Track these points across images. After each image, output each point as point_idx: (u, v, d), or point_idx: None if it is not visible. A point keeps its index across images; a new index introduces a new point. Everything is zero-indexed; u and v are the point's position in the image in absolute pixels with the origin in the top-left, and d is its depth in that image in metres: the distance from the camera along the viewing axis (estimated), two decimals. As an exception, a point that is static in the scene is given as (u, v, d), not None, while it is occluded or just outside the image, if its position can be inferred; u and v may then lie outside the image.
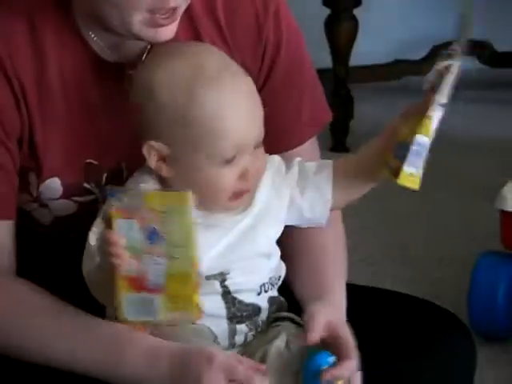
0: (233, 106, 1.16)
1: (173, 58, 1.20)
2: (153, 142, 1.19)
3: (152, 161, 1.20)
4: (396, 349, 1.28)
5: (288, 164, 1.24)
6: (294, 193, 1.24)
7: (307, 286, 1.27)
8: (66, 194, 1.25)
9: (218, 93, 1.16)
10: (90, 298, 1.19)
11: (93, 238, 1.17)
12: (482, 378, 1.52)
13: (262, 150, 1.20)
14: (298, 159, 1.25)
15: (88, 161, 1.24)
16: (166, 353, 1.14)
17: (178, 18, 1.20)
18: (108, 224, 1.11)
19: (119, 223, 1.10)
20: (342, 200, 1.29)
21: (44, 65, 1.22)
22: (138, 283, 1.11)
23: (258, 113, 1.19)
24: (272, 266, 1.23)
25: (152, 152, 1.19)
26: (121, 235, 1.09)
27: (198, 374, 1.11)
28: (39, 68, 1.21)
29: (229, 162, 1.16)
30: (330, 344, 1.15)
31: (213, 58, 1.19)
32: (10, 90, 1.20)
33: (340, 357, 1.14)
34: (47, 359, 1.18)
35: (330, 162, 1.25)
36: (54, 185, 1.24)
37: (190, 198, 1.10)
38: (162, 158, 1.20)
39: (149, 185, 1.20)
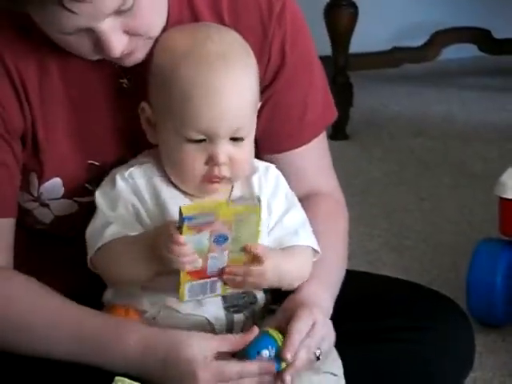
0: (208, 92, 1.15)
1: (184, 29, 1.20)
2: (143, 103, 1.20)
3: (143, 122, 1.21)
4: (394, 333, 1.29)
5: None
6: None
7: None
8: (68, 195, 1.25)
9: (197, 73, 1.15)
10: (85, 292, 1.20)
11: (98, 199, 1.19)
12: (480, 364, 1.54)
13: (245, 143, 1.18)
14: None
15: (90, 162, 1.25)
16: (162, 345, 1.13)
17: (145, 49, 1.19)
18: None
19: (191, 238, 1.12)
20: None
21: (46, 66, 1.22)
22: (199, 273, 1.14)
23: (238, 106, 1.16)
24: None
25: (143, 114, 1.21)
26: (189, 243, 1.11)
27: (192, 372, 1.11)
28: (41, 71, 1.21)
29: (194, 142, 1.16)
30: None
31: (217, 42, 1.18)
32: (15, 94, 1.21)
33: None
34: (47, 350, 1.18)
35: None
36: (55, 185, 1.24)
37: (260, 209, 1.13)
38: (149, 122, 1.21)
39: (148, 165, 1.20)
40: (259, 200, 1.14)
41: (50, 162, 1.23)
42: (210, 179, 1.17)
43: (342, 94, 2.49)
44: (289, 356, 1.13)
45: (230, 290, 1.17)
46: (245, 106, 1.17)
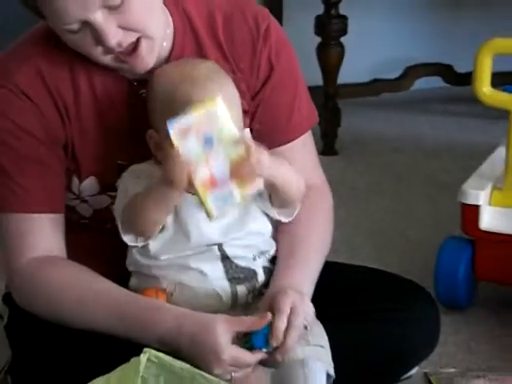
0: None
1: (174, 64, 1.20)
2: (150, 131, 1.20)
3: (152, 148, 1.21)
4: (373, 314, 1.29)
5: None
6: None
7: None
8: (102, 190, 1.25)
9: (192, 92, 1.14)
10: (121, 277, 1.21)
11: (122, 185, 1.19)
12: (444, 341, 1.53)
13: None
14: None
15: (119, 162, 1.25)
16: (192, 326, 1.13)
17: (152, 51, 1.18)
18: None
19: (182, 144, 1.10)
20: None
21: (77, 85, 1.22)
22: (212, 183, 1.12)
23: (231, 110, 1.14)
24: (263, 240, 1.22)
25: (151, 140, 1.21)
26: (186, 153, 1.10)
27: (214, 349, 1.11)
28: (75, 90, 1.21)
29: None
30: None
31: (201, 67, 1.18)
32: (56, 110, 1.21)
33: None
34: (94, 326, 1.18)
35: None
36: (92, 183, 1.25)
37: (219, 102, 1.11)
38: (158, 146, 1.20)
39: (150, 166, 1.20)
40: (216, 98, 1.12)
41: (86, 165, 1.23)
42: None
43: (332, 117, 2.49)
44: (274, 344, 1.13)
45: (246, 192, 1.13)
46: (239, 117, 1.17)
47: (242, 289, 1.20)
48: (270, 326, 1.14)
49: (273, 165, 1.15)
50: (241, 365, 1.12)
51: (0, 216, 1.24)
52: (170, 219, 1.18)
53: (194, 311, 1.15)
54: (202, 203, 1.12)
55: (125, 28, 1.14)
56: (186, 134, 1.10)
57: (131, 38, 1.15)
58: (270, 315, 1.13)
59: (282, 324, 1.13)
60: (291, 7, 2.70)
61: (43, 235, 1.22)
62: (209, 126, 1.11)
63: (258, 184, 1.13)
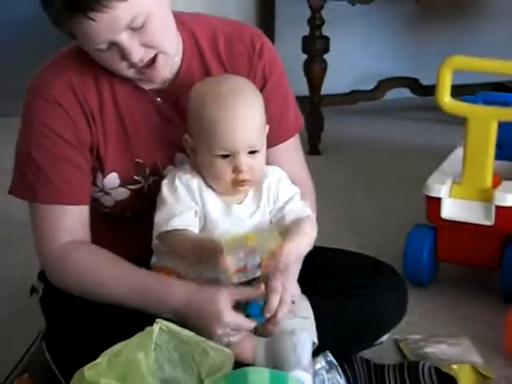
0: (226, 120, 1.14)
1: (206, 82, 1.20)
2: (186, 136, 1.21)
3: (187, 149, 1.22)
4: (351, 290, 1.30)
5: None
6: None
7: None
8: (122, 184, 1.26)
9: (218, 107, 1.15)
10: (137, 257, 1.21)
11: (165, 191, 1.17)
12: (411, 311, 1.53)
13: (259, 155, 1.17)
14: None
15: (136, 160, 1.26)
16: (199, 299, 1.14)
17: (166, 64, 1.19)
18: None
19: (229, 256, 1.11)
20: None
21: (101, 93, 1.23)
22: (243, 270, 1.14)
23: (253, 127, 1.16)
24: None
25: (186, 144, 1.21)
26: (232, 263, 1.11)
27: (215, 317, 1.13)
28: (100, 99, 1.22)
29: (222, 158, 1.16)
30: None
31: (229, 82, 1.18)
32: (84, 117, 1.22)
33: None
34: (115, 300, 1.18)
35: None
36: (113, 178, 1.26)
37: (278, 234, 1.12)
38: (192, 149, 1.21)
39: (186, 170, 1.19)
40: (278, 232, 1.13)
41: (109, 163, 1.24)
42: (237, 183, 1.17)
43: (316, 122, 2.49)
44: (267, 315, 1.14)
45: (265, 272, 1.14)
46: (257, 128, 1.17)
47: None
48: (265, 300, 1.14)
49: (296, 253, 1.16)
50: (239, 327, 1.13)
51: (32, 205, 1.25)
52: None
53: (201, 287, 1.16)
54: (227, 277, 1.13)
55: (146, 45, 1.16)
56: (239, 252, 1.11)
57: (150, 54, 1.16)
58: (263, 286, 1.14)
59: (275, 301, 1.14)
60: (282, 29, 2.70)
61: (70, 223, 1.23)
62: (258, 250, 1.11)
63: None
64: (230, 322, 1.12)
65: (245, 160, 1.16)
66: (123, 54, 1.15)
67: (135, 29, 1.14)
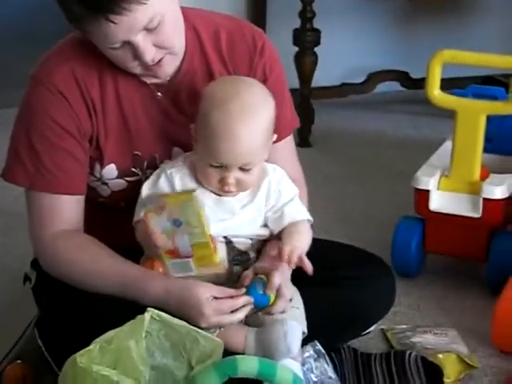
0: (228, 137, 1.13)
1: (222, 82, 1.20)
2: (192, 125, 1.21)
3: (192, 137, 1.20)
4: (342, 280, 1.31)
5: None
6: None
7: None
8: (120, 176, 1.27)
9: (223, 123, 1.13)
10: (131, 245, 1.22)
11: (144, 191, 1.20)
12: (399, 302, 1.56)
13: (253, 171, 1.17)
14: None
15: (134, 153, 1.27)
16: (177, 290, 1.15)
17: (172, 63, 1.20)
18: (146, 224, 1.12)
19: (154, 219, 1.12)
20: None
21: (104, 85, 1.24)
22: (174, 253, 1.14)
23: (252, 147, 1.14)
24: (259, 233, 1.24)
25: (191, 131, 1.22)
26: (156, 226, 1.11)
27: (198, 309, 1.13)
28: (102, 91, 1.23)
29: (214, 167, 1.16)
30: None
31: (242, 97, 1.15)
32: (86, 107, 1.23)
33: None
34: (100, 290, 1.20)
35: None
36: (111, 169, 1.27)
37: (195, 193, 1.11)
38: (193, 137, 1.21)
39: (184, 171, 1.19)
40: (193, 191, 1.12)
41: (107, 154, 1.25)
42: (222, 191, 1.18)
43: (307, 115, 2.49)
44: (270, 292, 1.15)
45: (202, 270, 1.14)
46: (255, 149, 1.16)
47: (237, 268, 1.22)
48: (266, 284, 1.16)
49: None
50: (225, 310, 1.13)
51: (29, 193, 1.25)
52: None
53: (181, 279, 1.17)
54: (163, 265, 1.14)
55: (158, 46, 1.17)
56: (159, 212, 1.11)
57: (161, 54, 1.18)
58: (243, 290, 1.16)
59: (281, 306, 1.17)
60: (273, 21, 2.70)
61: (65, 213, 1.24)
62: (180, 213, 1.11)
63: (218, 269, 1.16)
64: (211, 312, 1.13)
65: (234, 175, 1.17)
66: (136, 54, 1.16)
67: (150, 29, 1.15)
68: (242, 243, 1.22)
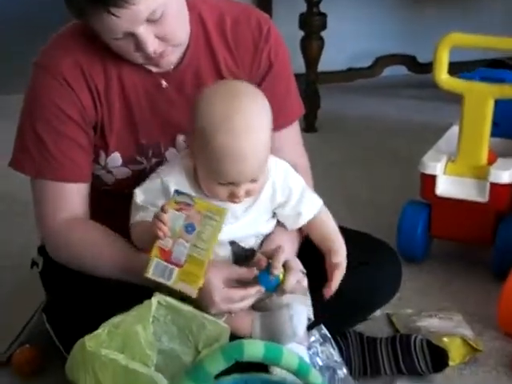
0: (235, 157, 1.10)
1: (221, 94, 1.13)
2: (183, 136, 1.20)
3: (187, 145, 1.20)
4: (349, 264, 1.31)
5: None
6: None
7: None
8: (125, 164, 1.28)
9: (227, 142, 1.09)
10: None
11: (138, 196, 1.18)
12: (404, 287, 1.55)
13: (259, 180, 1.15)
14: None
15: (139, 141, 1.27)
16: None
17: (175, 53, 1.20)
18: (163, 209, 1.09)
19: (172, 212, 1.10)
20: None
21: (109, 74, 1.24)
22: (166, 255, 1.10)
23: (259, 163, 1.12)
24: (264, 231, 1.24)
25: (185, 142, 1.21)
26: (169, 219, 1.09)
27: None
28: (106, 79, 1.23)
29: (223, 184, 1.14)
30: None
31: (246, 115, 1.10)
32: (91, 96, 1.23)
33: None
34: (106, 275, 1.20)
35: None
36: (116, 157, 1.27)
37: (226, 213, 1.10)
38: (191, 151, 1.17)
39: (181, 178, 1.16)
40: (226, 210, 1.10)
41: (112, 142, 1.26)
42: (232, 201, 1.16)
43: (313, 100, 2.49)
44: (276, 271, 1.15)
45: (179, 284, 1.11)
46: (263, 162, 1.15)
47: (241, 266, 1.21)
48: (271, 269, 1.15)
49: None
50: (234, 300, 1.14)
51: (35, 181, 1.26)
52: None
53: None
54: (148, 259, 1.10)
55: (160, 38, 1.17)
56: (180, 209, 1.09)
57: (163, 47, 1.18)
58: (255, 269, 1.15)
59: (293, 279, 1.17)
60: (279, 6, 2.69)
61: (71, 200, 1.25)
62: (200, 222, 1.09)
63: (192, 292, 1.12)
64: (222, 299, 1.13)
65: (244, 187, 1.15)
66: (138, 45, 1.16)
67: (153, 21, 1.14)
68: (246, 242, 1.22)
